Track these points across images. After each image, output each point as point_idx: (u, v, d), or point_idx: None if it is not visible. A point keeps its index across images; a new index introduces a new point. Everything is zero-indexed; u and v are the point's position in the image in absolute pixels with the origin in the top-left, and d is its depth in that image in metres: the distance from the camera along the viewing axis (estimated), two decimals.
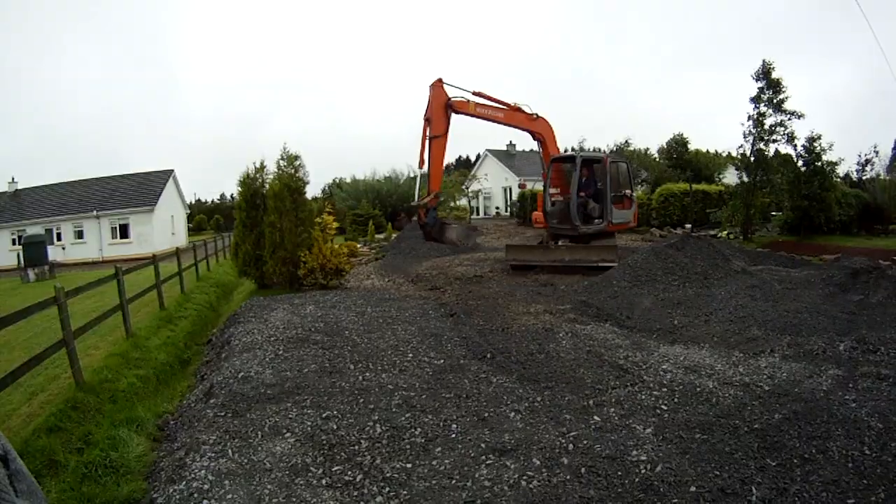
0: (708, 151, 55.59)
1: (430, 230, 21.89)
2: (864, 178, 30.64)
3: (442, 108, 19.20)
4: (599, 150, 52.07)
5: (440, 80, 19.08)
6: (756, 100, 25.24)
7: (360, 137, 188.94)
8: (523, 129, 20.74)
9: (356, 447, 5.90)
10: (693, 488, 4.87)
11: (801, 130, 24.93)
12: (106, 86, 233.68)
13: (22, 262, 29.47)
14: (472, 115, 19.79)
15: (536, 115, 20.81)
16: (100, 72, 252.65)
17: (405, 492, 5.06)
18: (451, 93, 19.29)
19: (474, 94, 19.13)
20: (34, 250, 28.60)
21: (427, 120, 19.53)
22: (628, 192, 20.59)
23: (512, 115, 20.41)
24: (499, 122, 20.54)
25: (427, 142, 19.56)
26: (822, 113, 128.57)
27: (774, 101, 24.74)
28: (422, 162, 20.08)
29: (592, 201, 20.56)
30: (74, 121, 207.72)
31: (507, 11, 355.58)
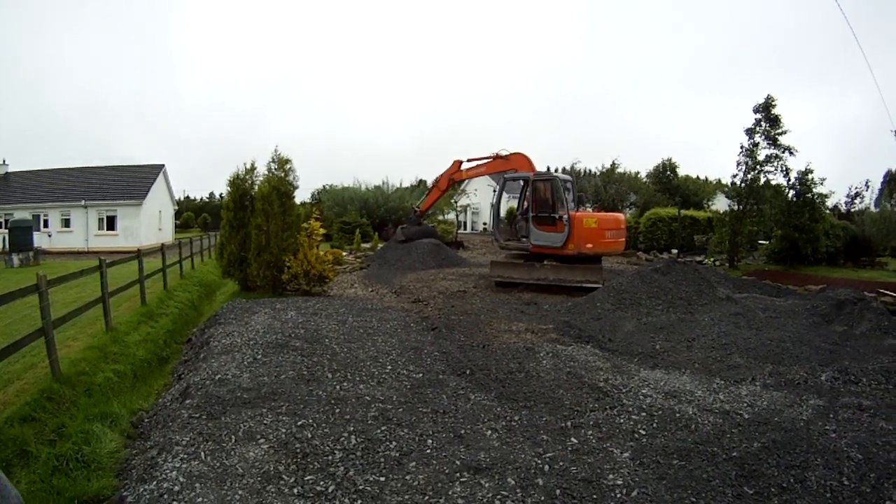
0: (697, 178, 55.89)
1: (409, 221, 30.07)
2: (853, 210, 30.85)
3: (448, 177, 25.58)
4: (588, 170, 52.36)
5: (458, 162, 24.89)
6: (751, 132, 25.51)
7: (358, 142, 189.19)
8: (506, 170, 22.60)
9: (330, 457, 5.85)
10: None
11: (796, 164, 25.12)
12: (101, 72, 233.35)
13: (7, 246, 29.26)
14: (466, 178, 27.05)
15: (508, 156, 22.39)
16: (96, 58, 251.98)
17: None
18: (452, 163, 25.88)
19: (468, 160, 24.53)
20: (20, 235, 28.34)
21: (441, 176, 26.29)
22: (560, 213, 19.17)
23: (492, 166, 23.51)
24: (485, 175, 25.84)
25: (434, 187, 27.23)
26: (829, 143, 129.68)
27: (771, 134, 24.99)
28: (426, 194, 29.36)
29: (522, 220, 21.02)
30: (67, 105, 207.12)
31: (520, 25, 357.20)
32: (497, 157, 22.61)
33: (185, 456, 5.80)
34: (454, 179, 26.33)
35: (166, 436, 6.38)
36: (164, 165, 48.53)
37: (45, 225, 42.36)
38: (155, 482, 5.31)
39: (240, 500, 5.00)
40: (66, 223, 42.73)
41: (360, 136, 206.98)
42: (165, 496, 5.06)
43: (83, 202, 42.26)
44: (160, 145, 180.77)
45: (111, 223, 42.83)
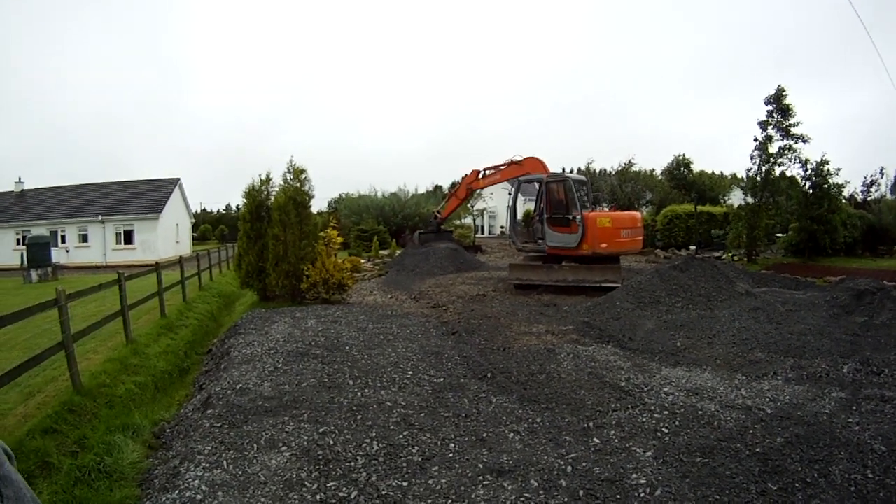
0: (713, 173, 55.59)
1: (428, 227, 31.46)
2: (868, 199, 30.62)
3: (465, 186, 26.67)
4: (604, 170, 52.38)
5: (476, 171, 25.46)
6: (764, 124, 25.43)
7: (374, 152, 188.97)
8: (521, 175, 22.43)
9: (352, 463, 5.85)
10: None
11: (811, 154, 25.03)
12: (111, 87, 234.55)
13: (25, 262, 29.51)
14: (484, 186, 27.10)
15: (522, 161, 22.42)
16: (105, 73, 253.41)
17: None
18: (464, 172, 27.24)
19: (484, 169, 24.96)
20: (38, 251, 28.52)
21: (458, 185, 28.83)
22: (574, 213, 19.13)
23: (507, 173, 23.46)
24: (501, 182, 25.57)
25: (453, 196, 28.62)
26: (840, 135, 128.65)
27: (784, 125, 24.91)
28: (445, 201, 30.42)
29: (538, 221, 20.99)
30: (77, 122, 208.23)
31: (529, 27, 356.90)
32: (511, 163, 22.72)
33: (208, 465, 5.82)
34: (472, 188, 26.84)
35: (188, 445, 6.41)
36: (179, 179, 48.83)
37: (63, 241, 42.65)
38: (177, 491, 5.33)
39: None
40: (84, 238, 43.04)
41: (375, 142, 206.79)
42: None
43: (100, 217, 42.55)
44: (175, 157, 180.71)
45: (128, 237, 43.12)
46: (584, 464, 5.72)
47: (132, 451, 6.64)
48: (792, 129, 24.95)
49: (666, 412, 7.09)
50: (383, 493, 5.27)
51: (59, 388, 8.46)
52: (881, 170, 32.16)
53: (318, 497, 5.21)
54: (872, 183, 30.37)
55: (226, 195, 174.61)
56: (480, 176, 25.05)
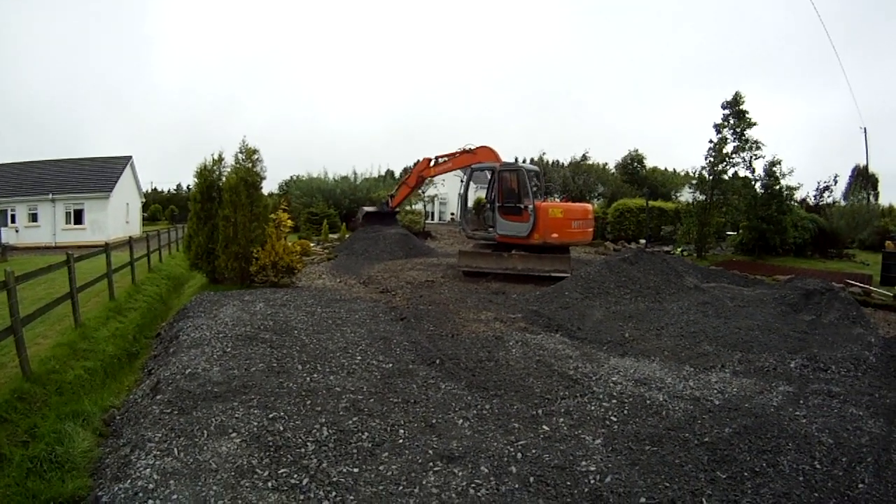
0: (665, 170, 56.36)
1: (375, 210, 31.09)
2: (821, 203, 31.36)
3: (417, 174, 26.11)
4: (557, 161, 52.72)
5: (428, 159, 25.03)
6: (719, 127, 25.87)
7: (334, 132, 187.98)
8: (474, 163, 22.41)
9: (302, 450, 5.84)
10: (643, 500, 4.92)
11: (765, 155, 25.54)
12: (65, 62, 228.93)
13: None
14: (435, 174, 26.80)
15: (475, 150, 22.30)
16: (59, 48, 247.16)
17: (352, 497, 5.02)
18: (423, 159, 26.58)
19: (437, 157, 24.45)
20: None
21: (409, 173, 29.01)
22: (525, 203, 19.22)
23: (459, 161, 23.20)
24: (453, 170, 25.34)
25: (403, 183, 28.35)
26: (805, 141, 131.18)
27: (738, 129, 25.36)
28: (397, 188, 29.91)
29: (489, 209, 21.19)
30: (31, 90, 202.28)
31: (496, 18, 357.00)
32: (464, 152, 22.70)
33: (158, 452, 5.75)
34: (423, 177, 26.59)
35: (138, 433, 6.31)
36: (131, 157, 47.81)
37: (13, 220, 41.42)
38: (129, 480, 5.25)
39: (214, 496, 4.97)
40: (34, 218, 41.76)
41: (336, 122, 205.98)
42: (140, 494, 5.01)
43: (50, 195, 41.42)
44: (129, 133, 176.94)
45: (78, 217, 42.05)
46: (533, 450, 5.80)
47: (83, 439, 6.52)
48: (746, 133, 25.45)
49: (614, 401, 7.21)
50: (335, 479, 5.28)
51: (8, 374, 8.23)
52: (835, 177, 33.15)
53: (269, 484, 5.19)
54: (826, 188, 31.12)
55: (177, 175, 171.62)
56: (432, 164, 24.85)
